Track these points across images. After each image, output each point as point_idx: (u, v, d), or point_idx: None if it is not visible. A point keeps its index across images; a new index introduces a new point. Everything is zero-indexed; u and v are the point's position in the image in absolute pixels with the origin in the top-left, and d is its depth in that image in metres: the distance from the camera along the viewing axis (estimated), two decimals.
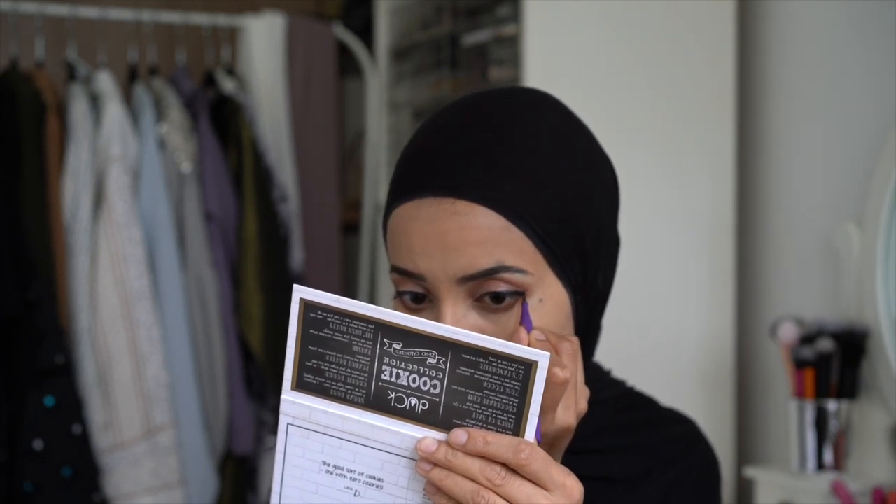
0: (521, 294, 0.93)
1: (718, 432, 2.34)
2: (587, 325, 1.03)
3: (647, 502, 1.02)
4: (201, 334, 2.56)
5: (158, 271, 2.51)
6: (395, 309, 0.98)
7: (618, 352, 2.24)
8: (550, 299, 0.95)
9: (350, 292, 3.14)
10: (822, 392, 2.05)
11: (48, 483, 2.34)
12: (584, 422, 1.01)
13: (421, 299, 0.95)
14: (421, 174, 0.95)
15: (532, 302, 0.94)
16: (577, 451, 1.01)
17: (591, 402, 1.01)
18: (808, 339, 2.06)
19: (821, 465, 2.05)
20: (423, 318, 0.94)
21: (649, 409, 1.10)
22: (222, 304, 2.58)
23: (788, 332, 2.08)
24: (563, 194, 0.94)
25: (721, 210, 2.37)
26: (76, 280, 2.44)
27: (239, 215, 2.62)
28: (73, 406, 2.37)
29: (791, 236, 2.35)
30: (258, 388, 2.61)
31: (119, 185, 2.46)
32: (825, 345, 2.03)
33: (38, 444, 2.33)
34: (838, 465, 2.05)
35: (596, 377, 1.08)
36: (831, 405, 2.04)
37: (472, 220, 0.92)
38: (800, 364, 2.07)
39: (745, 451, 2.42)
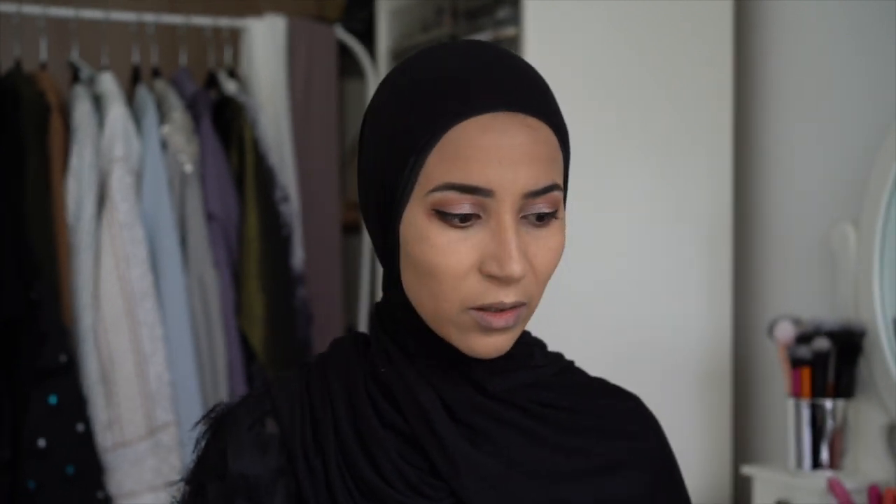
0: (555, 213, 0.97)
1: (716, 431, 2.36)
2: None
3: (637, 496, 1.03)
4: (203, 333, 2.57)
5: (161, 271, 2.53)
6: (427, 232, 0.95)
7: (615, 351, 2.26)
8: (564, 221, 1.00)
9: (351, 292, 3.15)
10: (818, 391, 2.06)
11: (51, 481, 2.35)
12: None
13: (467, 218, 0.95)
14: (487, 90, 0.96)
15: (560, 223, 0.98)
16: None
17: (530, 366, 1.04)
18: (804, 338, 2.07)
19: (817, 464, 2.06)
20: (468, 235, 0.95)
21: (585, 375, 1.11)
22: (224, 303, 2.60)
23: (785, 332, 2.09)
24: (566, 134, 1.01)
25: (718, 210, 2.39)
26: (79, 280, 2.46)
27: (240, 215, 2.64)
28: (76, 405, 2.38)
29: (788, 236, 2.37)
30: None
31: (122, 185, 2.48)
32: (822, 344, 2.04)
33: (41, 443, 2.34)
34: (834, 463, 2.06)
35: (530, 341, 1.08)
36: (828, 404, 2.06)
37: (540, 135, 0.96)
38: (796, 363, 2.08)
39: (743, 450, 2.44)
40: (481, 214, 0.95)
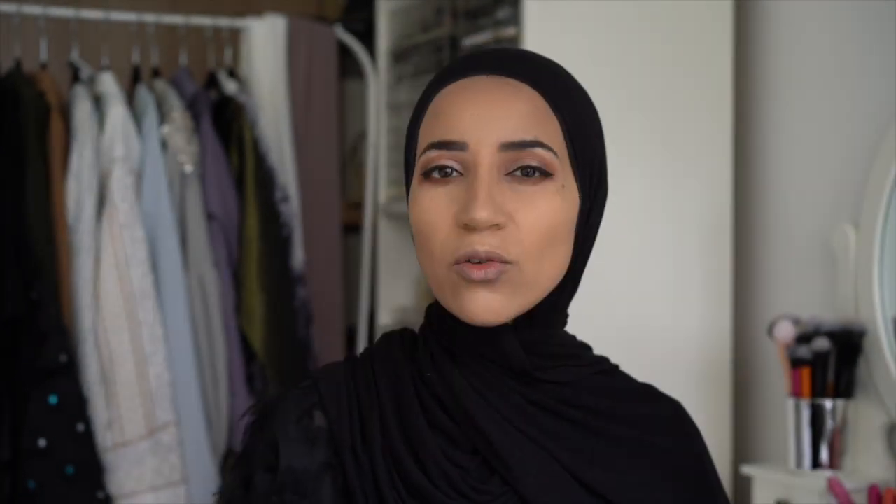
0: (548, 175, 0.97)
1: (716, 431, 2.36)
2: (576, 261, 1.03)
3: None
4: (203, 333, 2.57)
5: (161, 271, 2.53)
6: (417, 195, 0.98)
7: (615, 351, 2.26)
8: (570, 191, 0.99)
9: (351, 292, 3.15)
10: (818, 391, 2.06)
11: (51, 481, 2.35)
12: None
13: (447, 173, 0.97)
14: (472, 60, 1.01)
15: (555, 186, 0.98)
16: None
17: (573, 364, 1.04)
18: (804, 338, 2.07)
19: (817, 464, 2.07)
20: (448, 190, 0.97)
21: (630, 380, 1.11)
22: (224, 303, 2.60)
23: (785, 331, 2.09)
24: (586, 113, 1.03)
25: (718, 210, 2.39)
26: (79, 280, 2.46)
27: (240, 215, 2.64)
28: (76, 404, 2.38)
29: (788, 236, 2.37)
30: (259, 386, 2.63)
31: (122, 185, 2.48)
32: (822, 344, 2.04)
33: (41, 443, 2.34)
34: (834, 463, 2.06)
35: (575, 343, 1.08)
36: (828, 404, 2.06)
37: (522, 92, 0.98)
38: (796, 363, 2.08)
39: (742, 450, 2.44)
40: (463, 172, 0.97)
